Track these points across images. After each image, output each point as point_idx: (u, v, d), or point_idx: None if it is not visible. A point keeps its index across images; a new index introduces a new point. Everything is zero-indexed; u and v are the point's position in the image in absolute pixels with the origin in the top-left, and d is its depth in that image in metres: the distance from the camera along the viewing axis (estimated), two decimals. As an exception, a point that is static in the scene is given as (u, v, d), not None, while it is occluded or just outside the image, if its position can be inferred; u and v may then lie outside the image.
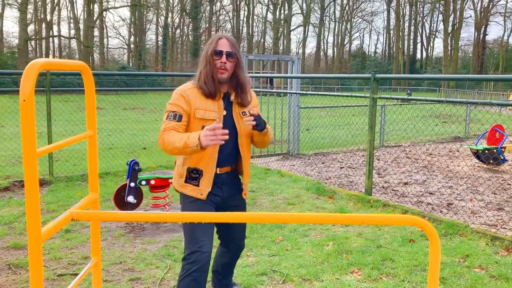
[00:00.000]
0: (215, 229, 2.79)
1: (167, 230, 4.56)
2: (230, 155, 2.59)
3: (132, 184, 4.67)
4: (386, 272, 3.56)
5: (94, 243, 2.39)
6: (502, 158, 7.86)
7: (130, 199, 4.67)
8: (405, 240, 4.23)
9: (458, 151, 9.87)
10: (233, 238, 2.80)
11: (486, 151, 7.89)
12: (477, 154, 8.09)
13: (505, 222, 4.91)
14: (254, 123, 2.44)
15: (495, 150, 7.85)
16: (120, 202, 4.71)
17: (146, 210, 5.16)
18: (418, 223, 1.68)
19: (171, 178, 4.78)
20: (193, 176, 2.53)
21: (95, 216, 2.05)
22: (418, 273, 3.54)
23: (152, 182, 4.73)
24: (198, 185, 2.53)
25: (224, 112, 2.54)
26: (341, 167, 7.99)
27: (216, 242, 2.91)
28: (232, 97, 2.57)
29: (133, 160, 4.68)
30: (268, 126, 2.61)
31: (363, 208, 5.25)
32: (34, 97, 1.55)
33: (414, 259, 3.79)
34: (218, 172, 2.57)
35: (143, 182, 4.72)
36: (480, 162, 8.18)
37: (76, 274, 3.44)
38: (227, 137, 2.24)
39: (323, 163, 8.39)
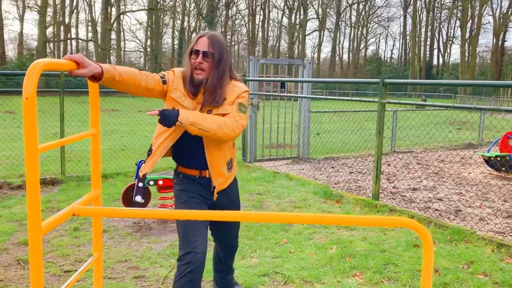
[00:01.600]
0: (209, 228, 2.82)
1: (173, 230, 4.62)
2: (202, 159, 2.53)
3: (140, 184, 4.74)
4: (388, 276, 3.57)
5: (95, 239, 2.46)
6: (515, 165, 7.76)
7: (138, 198, 4.74)
8: (409, 245, 4.22)
9: (470, 158, 9.77)
10: (226, 239, 2.85)
11: (499, 158, 7.80)
12: (489, 161, 8.00)
13: (513, 229, 4.86)
14: (157, 113, 2.30)
15: (507, 158, 7.76)
16: (128, 201, 4.78)
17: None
18: (410, 225, 1.70)
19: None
20: (148, 153, 2.57)
21: (95, 211, 2.11)
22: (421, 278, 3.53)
23: (160, 182, 4.79)
24: (144, 162, 2.57)
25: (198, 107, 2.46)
26: (351, 172, 7.98)
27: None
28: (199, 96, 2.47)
29: (142, 160, 4.75)
30: (203, 115, 2.36)
31: (369, 213, 5.25)
32: (36, 96, 1.62)
33: (417, 264, 3.79)
34: (207, 176, 2.58)
35: (151, 182, 4.78)
36: (492, 170, 8.09)
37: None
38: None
39: (332, 167, 8.39)
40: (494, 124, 13.32)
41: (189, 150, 2.55)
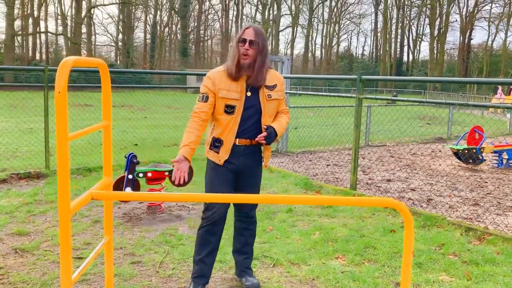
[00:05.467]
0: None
1: (163, 220, 4.80)
2: (250, 130, 2.97)
3: (130, 176, 4.90)
4: (368, 258, 3.86)
5: (106, 222, 2.64)
6: (480, 158, 8.24)
7: (128, 190, 4.90)
8: (386, 230, 4.54)
9: (440, 151, 10.26)
10: (243, 206, 3.17)
11: (466, 151, 8.26)
12: (457, 154, 8.46)
13: (479, 215, 5.26)
14: (264, 142, 2.92)
15: (474, 150, 8.23)
16: (118, 193, 4.93)
17: (141, 202, 5.39)
18: (393, 204, 1.97)
19: (167, 171, 5.04)
20: (216, 144, 2.98)
21: (111, 195, 2.31)
22: (398, 259, 3.85)
23: (149, 174, 4.97)
24: (218, 152, 2.97)
25: (249, 93, 2.93)
26: (327, 165, 8.30)
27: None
28: (251, 80, 2.94)
29: (131, 153, 4.91)
30: (279, 130, 3.02)
31: (348, 202, 5.55)
32: (67, 90, 1.80)
33: (394, 247, 4.10)
34: (237, 143, 2.96)
35: (141, 175, 4.95)
36: (460, 162, 8.55)
37: (79, 258, 3.68)
38: (181, 180, 2.82)
39: (310, 160, 8.70)
40: (459, 118, 13.92)
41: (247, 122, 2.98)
